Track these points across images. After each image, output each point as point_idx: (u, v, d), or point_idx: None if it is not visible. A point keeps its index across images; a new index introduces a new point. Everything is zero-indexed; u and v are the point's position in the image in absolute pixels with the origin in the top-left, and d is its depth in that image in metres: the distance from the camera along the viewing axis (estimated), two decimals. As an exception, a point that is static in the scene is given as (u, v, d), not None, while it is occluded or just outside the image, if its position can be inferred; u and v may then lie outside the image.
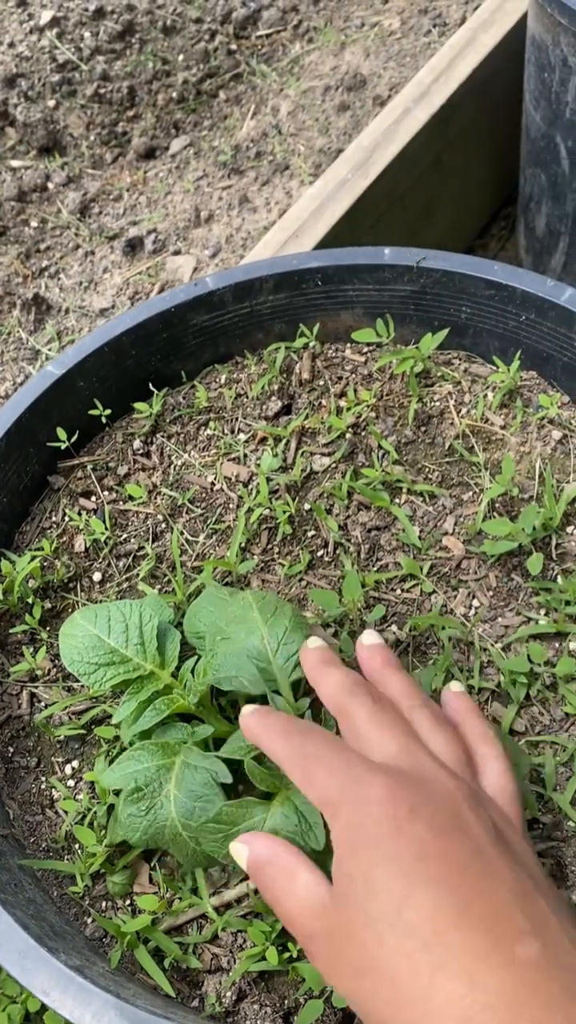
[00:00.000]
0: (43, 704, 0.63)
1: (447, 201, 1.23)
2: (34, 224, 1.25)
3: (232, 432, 0.74)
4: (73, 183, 1.31)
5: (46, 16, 1.45)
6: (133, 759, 0.53)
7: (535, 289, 0.66)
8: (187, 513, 0.70)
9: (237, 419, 0.75)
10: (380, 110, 1.16)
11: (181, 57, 1.45)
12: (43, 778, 0.61)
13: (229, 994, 0.51)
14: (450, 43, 1.17)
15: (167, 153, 1.30)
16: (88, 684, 0.56)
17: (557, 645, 0.62)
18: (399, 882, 0.37)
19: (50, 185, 1.30)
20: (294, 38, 1.46)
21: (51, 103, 1.38)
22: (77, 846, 0.58)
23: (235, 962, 0.53)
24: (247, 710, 0.48)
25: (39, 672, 0.64)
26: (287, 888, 0.41)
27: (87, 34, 1.44)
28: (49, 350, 1.05)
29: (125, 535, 0.70)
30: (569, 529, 0.67)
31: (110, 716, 0.61)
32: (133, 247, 1.12)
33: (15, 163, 1.33)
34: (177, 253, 1.07)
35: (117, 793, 0.54)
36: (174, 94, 1.41)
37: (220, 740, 0.55)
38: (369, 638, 0.52)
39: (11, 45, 1.41)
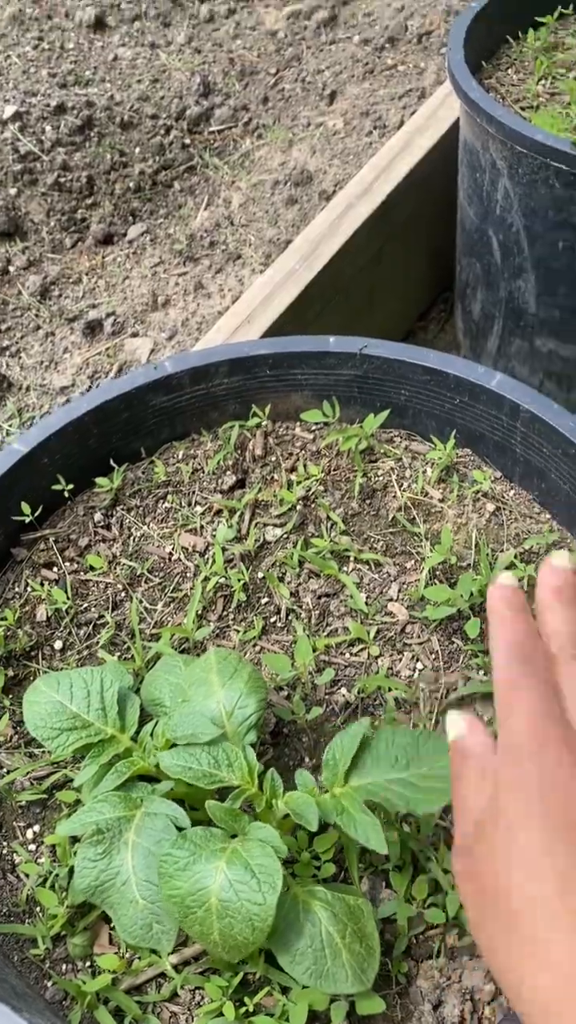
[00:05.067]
0: (5, 770, 0.65)
1: (389, 289, 1.31)
2: (-5, 305, 1.30)
3: (189, 505, 0.78)
4: (34, 266, 1.36)
5: (9, 110, 1.52)
6: (95, 810, 0.55)
7: (467, 375, 0.73)
8: (146, 582, 0.74)
9: (194, 492, 0.79)
10: (325, 204, 1.24)
11: (138, 150, 1.53)
12: (5, 843, 0.62)
13: (188, 1051, 0.53)
14: (389, 144, 1.27)
15: (125, 239, 1.37)
16: (51, 748, 0.58)
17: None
18: (545, 835, 0.39)
19: (11, 268, 1.36)
20: (245, 134, 1.55)
21: (13, 191, 1.44)
22: (38, 909, 0.59)
23: (193, 1019, 0.54)
24: (507, 578, 0.48)
25: (1, 739, 0.66)
26: (475, 784, 0.44)
27: (48, 127, 1.52)
28: (10, 426, 1.08)
29: (86, 604, 0.73)
30: (504, 595, 0.72)
31: (71, 781, 0.63)
32: (92, 329, 1.18)
33: (-23, 247, 1.39)
34: (135, 335, 1.12)
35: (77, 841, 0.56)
36: (131, 184, 1.49)
37: (181, 800, 0.58)
38: (560, 559, 0.49)
39: (-25, 137, 1.48)
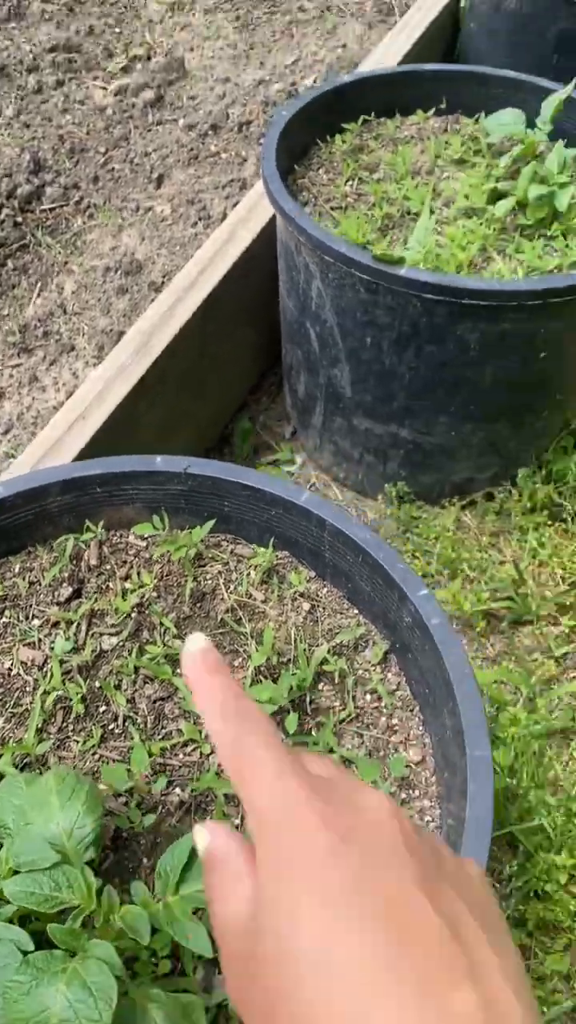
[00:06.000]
0: None
1: (220, 371, 1.39)
2: None
3: (27, 618, 0.83)
4: None
5: None
6: (-55, 944, 0.59)
7: (280, 492, 0.81)
8: (-13, 698, 0.78)
9: (31, 606, 0.83)
10: (155, 295, 1.31)
11: (-31, 228, 1.55)
12: None
13: None
14: (214, 237, 1.35)
15: (-43, 322, 1.38)
16: None
17: (313, 792, 0.74)
18: (328, 918, 0.33)
19: None
20: (76, 213, 1.60)
21: None
22: None
23: None
24: (195, 642, 0.42)
25: None
26: (228, 890, 0.39)
27: None
28: None
29: None
30: (320, 686, 0.80)
31: None
32: None
33: None
34: (-30, 429, 1.15)
35: None
36: (-37, 263, 1.50)
37: (26, 917, 0.62)
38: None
39: None
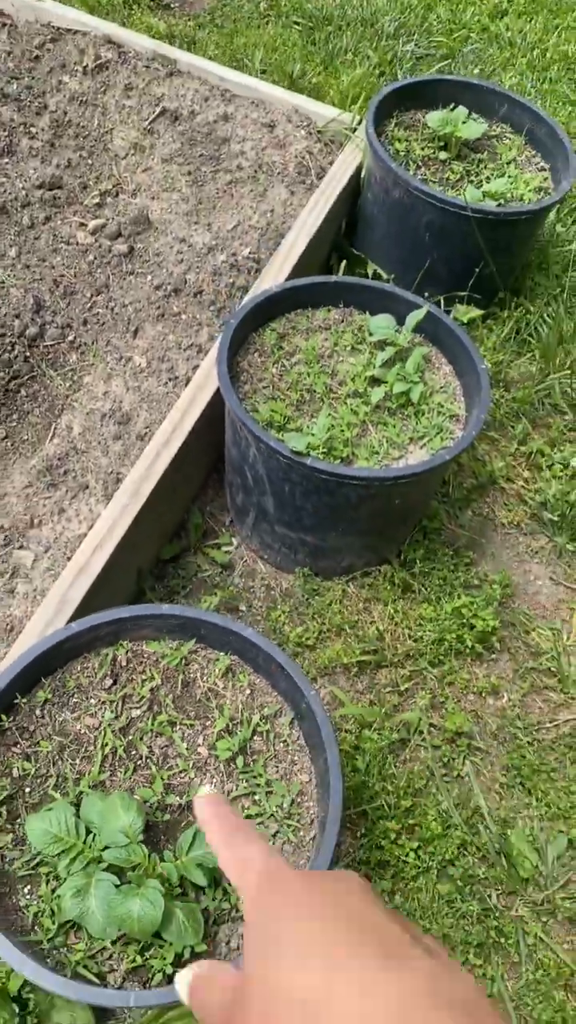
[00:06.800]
0: (9, 859, 1.29)
1: (185, 486, 1.99)
2: None
3: (87, 699, 1.43)
4: None
5: None
6: (74, 878, 1.22)
7: (234, 628, 1.43)
8: (68, 748, 1.39)
9: (89, 691, 1.44)
10: (140, 444, 1.89)
11: (-9, 364, 2.07)
12: (12, 897, 1.26)
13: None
14: (181, 400, 1.93)
15: (-7, 449, 1.92)
16: (46, 852, 1.23)
17: (255, 798, 1.39)
18: (296, 924, 0.43)
19: None
20: (71, 350, 2.14)
21: None
22: (37, 927, 1.24)
23: (122, 964, 1.23)
24: (203, 791, 0.60)
25: (5, 844, 1.29)
26: (215, 991, 0.48)
27: None
28: None
29: (39, 764, 1.36)
30: (255, 738, 1.44)
31: (44, 863, 1.28)
32: (-14, 537, 1.75)
33: None
34: (21, 548, 1.72)
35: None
36: (-11, 393, 2.03)
37: (110, 865, 1.25)
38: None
39: None
